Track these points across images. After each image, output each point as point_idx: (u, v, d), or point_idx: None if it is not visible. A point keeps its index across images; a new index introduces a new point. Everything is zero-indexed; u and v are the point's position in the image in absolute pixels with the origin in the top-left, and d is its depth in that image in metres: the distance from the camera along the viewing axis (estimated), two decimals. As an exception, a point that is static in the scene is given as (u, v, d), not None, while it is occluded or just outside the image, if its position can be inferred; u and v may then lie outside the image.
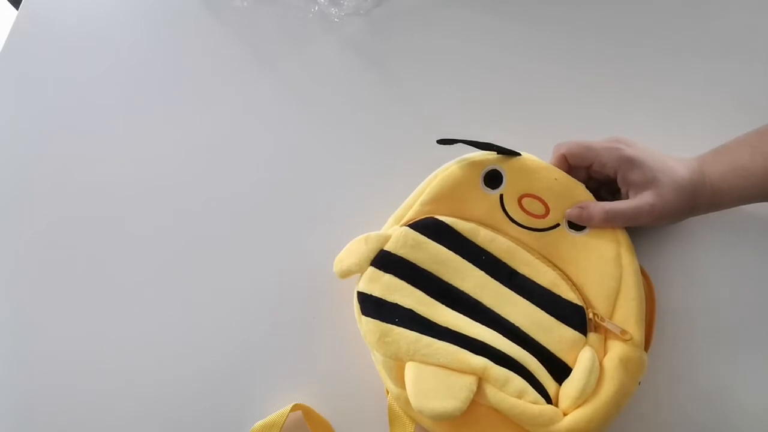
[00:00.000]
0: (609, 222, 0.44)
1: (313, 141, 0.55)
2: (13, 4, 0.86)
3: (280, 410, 0.43)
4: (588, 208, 0.44)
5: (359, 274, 0.42)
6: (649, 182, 0.43)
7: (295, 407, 0.43)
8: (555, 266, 0.44)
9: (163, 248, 0.51)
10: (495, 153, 0.45)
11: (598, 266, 0.43)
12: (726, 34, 0.58)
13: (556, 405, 0.38)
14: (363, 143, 0.54)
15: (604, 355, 0.40)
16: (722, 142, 0.47)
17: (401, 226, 0.44)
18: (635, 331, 0.41)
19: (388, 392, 0.42)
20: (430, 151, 0.47)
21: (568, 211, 0.45)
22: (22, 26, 0.63)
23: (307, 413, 0.43)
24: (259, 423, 0.43)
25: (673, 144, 0.49)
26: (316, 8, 0.63)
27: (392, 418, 0.42)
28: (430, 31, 0.60)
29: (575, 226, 0.45)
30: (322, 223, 0.51)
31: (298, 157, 0.54)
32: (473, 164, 0.45)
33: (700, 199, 0.43)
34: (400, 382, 0.39)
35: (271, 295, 0.49)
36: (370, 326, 0.40)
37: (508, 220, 0.45)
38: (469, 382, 0.37)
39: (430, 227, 0.43)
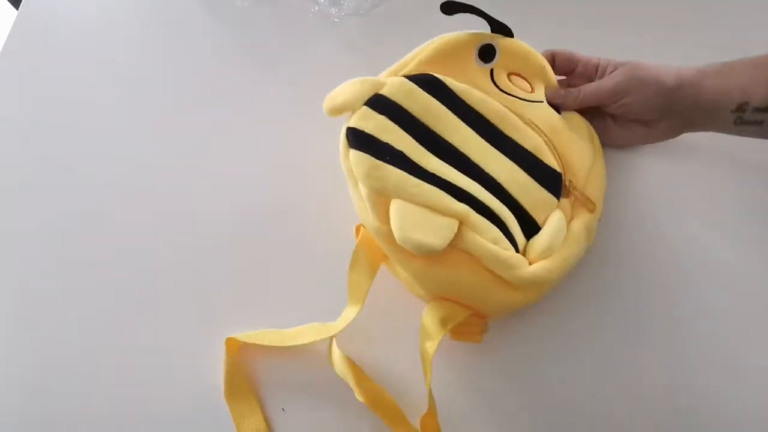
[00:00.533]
0: (582, 97, 0.48)
1: (312, 141, 0.55)
2: (13, 4, 0.86)
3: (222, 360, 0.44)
4: (565, 90, 0.49)
5: (350, 113, 0.44)
6: (623, 65, 0.47)
7: (230, 342, 0.45)
8: (542, 134, 0.46)
9: (163, 248, 0.51)
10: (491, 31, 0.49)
11: (578, 142, 0.47)
12: (726, 33, 0.58)
13: (524, 256, 0.41)
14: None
15: (571, 220, 0.44)
16: (722, 142, 0.48)
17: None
18: (599, 204, 0.45)
19: (358, 233, 0.44)
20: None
21: (547, 90, 0.49)
22: (22, 26, 0.63)
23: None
24: (224, 388, 0.44)
25: (674, 142, 0.49)
26: (316, 8, 0.63)
27: (354, 262, 0.43)
28: (429, 32, 0.60)
29: (555, 107, 0.48)
30: (322, 222, 0.51)
31: (297, 157, 0.54)
32: (472, 35, 0.48)
33: (683, 89, 0.45)
34: (383, 217, 0.40)
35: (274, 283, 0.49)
36: (359, 158, 0.41)
37: (497, 89, 0.48)
38: (451, 223, 0.39)
39: (425, 81, 0.45)
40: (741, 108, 0.44)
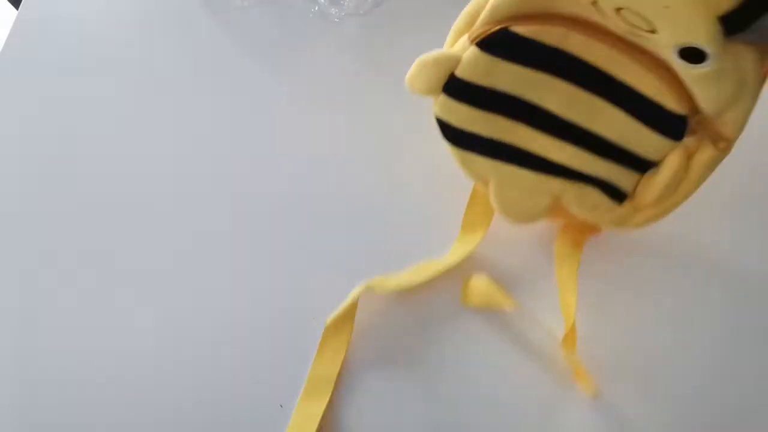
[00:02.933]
0: None
1: (313, 141, 0.55)
2: (13, 4, 0.86)
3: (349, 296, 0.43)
4: None
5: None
6: None
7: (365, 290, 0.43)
8: (666, 70, 0.36)
9: (165, 250, 0.51)
10: None
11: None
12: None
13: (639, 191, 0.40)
14: (363, 143, 0.54)
15: (695, 153, 0.38)
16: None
17: (470, 42, 0.38)
18: (733, 139, 0.36)
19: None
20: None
21: None
22: (22, 26, 0.63)
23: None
24: (330, 318, 0.42)
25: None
26: (316, 8, 0.63)
27: (472, 201, 0.44)
28: (430, 32, 0.60)
29: (689, 57, 0.34)
30: (320, 224, 0.51)
31: (297, 158, 0.54)
32: None
33: None
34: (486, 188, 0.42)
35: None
36: (452, 151, 0.42)
37: (606, 17, 0.36)
38: (545, 202, 0.41)
39: (505, 44, 0.37)
40: None
